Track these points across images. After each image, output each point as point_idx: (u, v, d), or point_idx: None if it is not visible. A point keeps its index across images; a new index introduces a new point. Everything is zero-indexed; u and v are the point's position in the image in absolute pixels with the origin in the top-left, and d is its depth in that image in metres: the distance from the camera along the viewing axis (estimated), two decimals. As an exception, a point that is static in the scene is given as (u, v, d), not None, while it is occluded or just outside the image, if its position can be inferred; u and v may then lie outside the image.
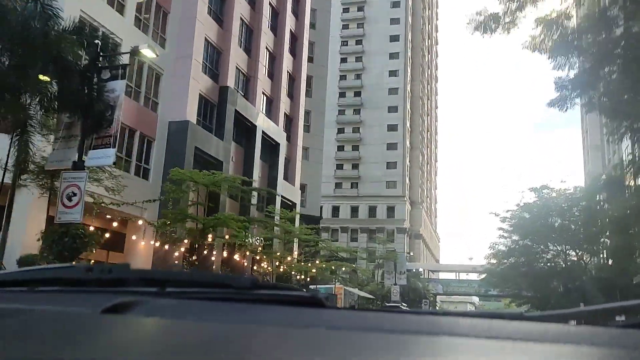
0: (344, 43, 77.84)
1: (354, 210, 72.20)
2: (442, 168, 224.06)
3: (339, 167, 74.54)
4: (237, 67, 27.99)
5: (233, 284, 0.98)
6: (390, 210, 71.02)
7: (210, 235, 22.64)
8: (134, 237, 20.41)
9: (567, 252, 44.42)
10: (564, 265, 46.00)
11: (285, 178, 34.77)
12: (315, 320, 0.80)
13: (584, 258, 45.01)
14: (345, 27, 77.84)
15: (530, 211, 43.22)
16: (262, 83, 30.75)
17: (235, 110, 26.91)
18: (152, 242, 20.85)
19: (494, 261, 48.09)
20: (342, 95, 76.25)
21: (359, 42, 77.25)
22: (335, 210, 72.80)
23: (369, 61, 75.60)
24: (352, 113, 75.33)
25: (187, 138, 22.23)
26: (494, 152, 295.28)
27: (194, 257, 24.17)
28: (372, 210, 71.71)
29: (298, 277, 31.09)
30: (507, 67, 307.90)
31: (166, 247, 21.67)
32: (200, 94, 24.50)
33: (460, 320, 0.78)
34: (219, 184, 20.59)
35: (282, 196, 32.67)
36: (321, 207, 53.61)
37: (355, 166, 74.08)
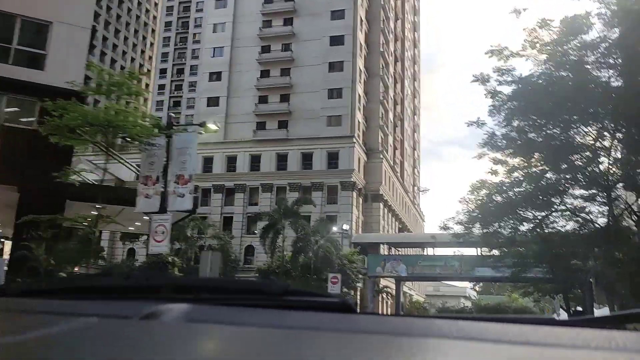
0: None
1: (282, 160, 49.79)
2: (432, 127, 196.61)
3: (262, 99, 52.09)
4: None
5: (265, 290, 1.02)
6: (333, 157, 48.53)
7: None
8: None
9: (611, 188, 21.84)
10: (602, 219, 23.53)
11: None
12: (344, 326, 0.80)
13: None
14: None
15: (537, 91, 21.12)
16: None
17: None
18: None
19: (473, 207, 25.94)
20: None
21: None
22: (255, 161, 50.43)
23: (304, -51, 53.09)
24: (282, 23, 52.86)
25: None
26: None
27: None
28: (307, 159, 49.27)
29: None
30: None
31: None
32: None
33: (491, 326, 0.78)
34: None
35: None
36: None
37: (284, 97, 51.58)
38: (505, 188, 22.84)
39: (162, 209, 11.83)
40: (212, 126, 14.19)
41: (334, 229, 35.40)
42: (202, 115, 52.91)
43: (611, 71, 19.06)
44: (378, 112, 53.79)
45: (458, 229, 25.84)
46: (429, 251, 44.57)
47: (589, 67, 18.80)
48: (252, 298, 1.00)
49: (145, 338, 0.77)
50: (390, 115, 58.39)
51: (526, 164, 23.29)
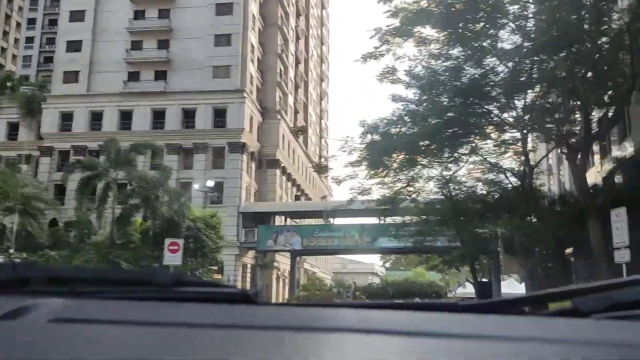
0: None
1: (159, 117, 42.05)
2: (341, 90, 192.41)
3: (136, 45, 43.72)
4: None
5: (153, 280, 0.93)
6: (220, 115, 41.59)
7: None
8: None
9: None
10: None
11: None
12: (243, 319, 0.76)
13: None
14: None
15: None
16: None
17: None
18: None
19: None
20: None
21: None
22: (126, 118, 42.25)
23: None
24: (161, -44, 44.64)
25: None
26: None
27: None
28: (189, 116, 41.95)
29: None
30: None
31: None
32: None
33: (396, 315, 0.78)
34: None
35: None
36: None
37: (163, 43, 43.58)
38: (399, 122, 17.68)
39: None
40: None
41: (196, 186, 28.82)
42: (62, 64, 43.77)
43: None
44: (276, 67, 47.38)
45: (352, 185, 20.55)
46: (333, 222, 39.30)
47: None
48: (138, 290, 0.90)
49: (2, 342, 0.62)
50: (291, 73, 52.21)
51: (430, 106, 18.33)
